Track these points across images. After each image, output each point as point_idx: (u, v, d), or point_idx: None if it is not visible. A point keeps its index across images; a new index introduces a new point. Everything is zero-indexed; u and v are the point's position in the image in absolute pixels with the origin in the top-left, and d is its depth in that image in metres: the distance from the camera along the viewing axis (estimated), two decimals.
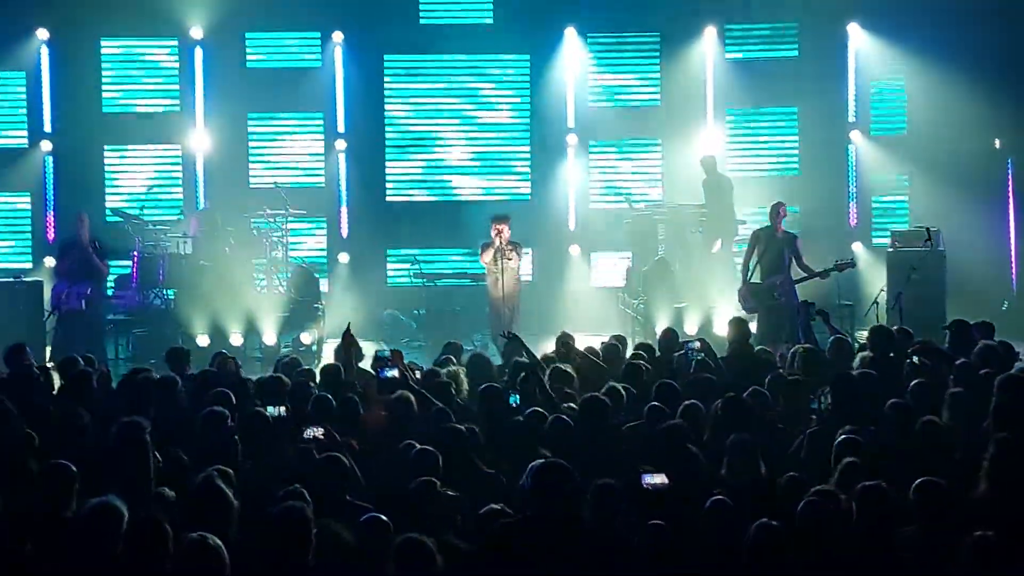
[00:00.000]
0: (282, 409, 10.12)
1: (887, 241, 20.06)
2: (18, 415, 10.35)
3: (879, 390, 10.62)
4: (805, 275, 16.98)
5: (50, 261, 20.15)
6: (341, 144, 22.05)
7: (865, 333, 15.35)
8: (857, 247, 21.37)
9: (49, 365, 14.39)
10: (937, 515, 7.78)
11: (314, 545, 7.29)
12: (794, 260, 17.07)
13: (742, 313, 16.20)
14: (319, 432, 9.48)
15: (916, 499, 7.87)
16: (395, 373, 11.32)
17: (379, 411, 10.93)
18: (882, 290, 18.61)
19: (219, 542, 6.93)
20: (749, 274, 17.29)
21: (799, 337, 14.97)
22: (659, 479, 8.13)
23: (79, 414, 10.01)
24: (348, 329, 12.42)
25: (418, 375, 11.99)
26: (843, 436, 9.10)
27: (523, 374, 11.37)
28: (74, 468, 8.15)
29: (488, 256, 17.52)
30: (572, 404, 10.82)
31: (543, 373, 11.50)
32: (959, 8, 20.79)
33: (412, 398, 10.67)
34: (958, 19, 20.82)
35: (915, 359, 11.86)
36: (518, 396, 10.95)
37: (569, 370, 11.97)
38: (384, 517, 7.68)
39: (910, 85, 21.81)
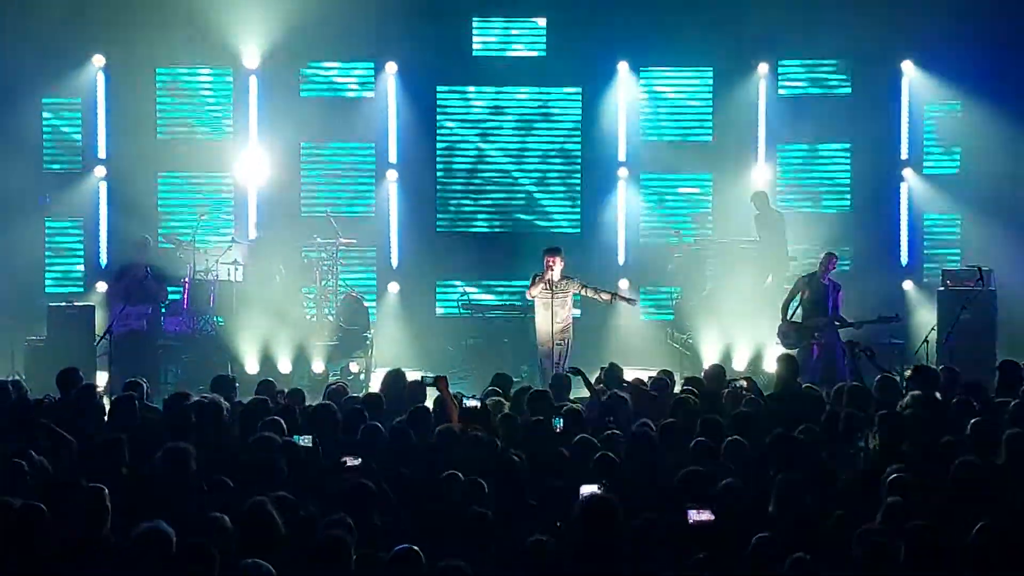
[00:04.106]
0: (307, 439, 10.16)
1: (938, 280, 19.94)
2: (68, 439, 10.47)
3: (927, 429, 10.56)
4: (841, 324, 17.28)
5: (102, 286, 20.35)
6: (392, 174, 22.11)
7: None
8: (908, 285, 21.31)
9: (99, 388, 14.46)
10: (999, 558, 7.65)
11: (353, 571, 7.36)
12: (833, 309, 17.35)
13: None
14: (356, 461, 9.53)
15: (977, 541, 7.74)
16: (476, 403, 11.38)
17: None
18: (933, 329, 18.55)
19: (271, 569, 6.99)
20: (790, 314, 17.42)
21: (846, 376, 14.93)
22: (705, 515, 8.10)
23: (121, 439, 10.07)
24: (441, 379, 12.39)
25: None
26: (892, 475, 9.01)
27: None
28: (106, 491, 8.21)
29: (537, 289, 17.15)
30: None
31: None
32: (1012, 48, 20.71)
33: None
34: (1011, 59, 20.76)
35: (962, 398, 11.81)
36: (561, 420, 11.03)
37: (626, 396, 12.05)
38: (415, 548, 7.63)
39: (963, 123, 21.71)
